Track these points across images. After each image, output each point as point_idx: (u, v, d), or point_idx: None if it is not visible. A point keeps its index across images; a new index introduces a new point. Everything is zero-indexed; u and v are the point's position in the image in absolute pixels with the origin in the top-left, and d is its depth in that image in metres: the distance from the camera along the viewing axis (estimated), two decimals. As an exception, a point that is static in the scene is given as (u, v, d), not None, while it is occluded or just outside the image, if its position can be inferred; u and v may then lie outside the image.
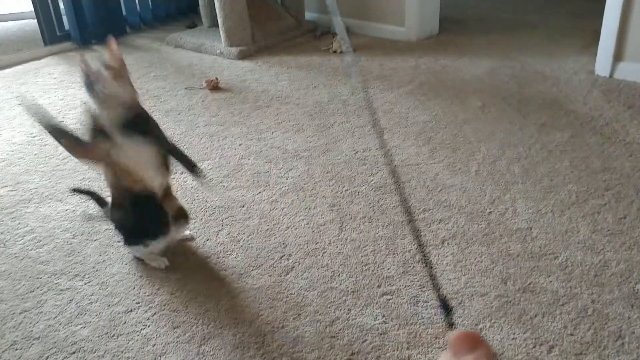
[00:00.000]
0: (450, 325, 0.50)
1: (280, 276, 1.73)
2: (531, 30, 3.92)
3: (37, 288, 1.74)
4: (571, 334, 1.47)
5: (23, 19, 4.87)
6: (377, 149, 2.42)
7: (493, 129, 2.55)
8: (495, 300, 1.60)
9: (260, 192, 2.17)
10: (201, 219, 2.03)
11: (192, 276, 1.75)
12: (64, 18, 4.11)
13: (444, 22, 3.99)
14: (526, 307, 1.57)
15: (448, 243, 1.84)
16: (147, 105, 2.98)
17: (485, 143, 2.43)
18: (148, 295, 1.69)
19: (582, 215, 1.93)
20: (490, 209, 1.99)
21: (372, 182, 2.20)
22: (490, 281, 1.67)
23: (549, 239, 1.83)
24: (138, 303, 1.66)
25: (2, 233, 2.01)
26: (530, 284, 1.65)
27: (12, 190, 2.26)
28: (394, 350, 1.45)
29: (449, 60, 3.44)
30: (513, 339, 1.47)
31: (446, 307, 0.54)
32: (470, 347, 0.44)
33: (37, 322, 1.61)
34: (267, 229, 1.96)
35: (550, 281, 1.65)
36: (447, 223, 1.93)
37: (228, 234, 1.94)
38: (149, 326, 1.58)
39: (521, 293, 1.62)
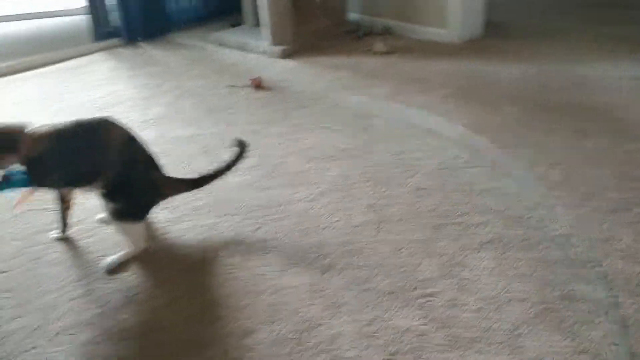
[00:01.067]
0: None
1: (318, 275, 1.77)
2: (576, 35, 3.86)
3: (86, 277, 1.81)
4: (613, 343, 1.47)
5: (73, 15, 5.04)
6: (414, 151, 2.44)
7: (530, 134, 2.53)
8: (534, 307, 1.60)
9: (298, 192, 2.21)
10: (240, 217, 2.08)
11: (232, 272, 1.80)
12: (112, 15, 4.23)
13: (488, 26, 3.96)
14: (565, 314, 1.57)
15: (486, 247, 1.84)
16: (190, 102, 3.07)
17: (523, 148, 2.41)
18: (191, 289, 1.74)
19: (624, 223, 1.90)
20: (529, 214, 1.99)
21: (410, 184, 2.21)
22: (529, 287, 1.67)
23: (589, 246, 1.81)
24: (181, 295, 1.72)
25: (53, 223, 2.09)
26: (570, 291, 1.64)
27: (62, 183, 2.35)
28: (431, 352, 1.47)
29: (490, 64, 3.42)
30: (551, 346, 1.47)
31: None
32: None
33: (87, 310, 1.68)
34: (305, 228, 1.99)
35: (591, 289, 1.64)
36: (485, 227, 1.93)
37: (266, 232, 1.99)
38: (191, 318, 1.63)
39: (560, 300, 1.61)
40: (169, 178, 1.92)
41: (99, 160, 1.76)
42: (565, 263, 1.75)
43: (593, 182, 2.14)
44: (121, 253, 1.88)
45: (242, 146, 2.02)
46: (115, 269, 1.84)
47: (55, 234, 2.01)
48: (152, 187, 1.86)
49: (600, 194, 2.06)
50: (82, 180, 1.79)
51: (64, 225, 2.00)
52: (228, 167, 1.98)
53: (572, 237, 1.86)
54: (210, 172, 1.96)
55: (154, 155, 1.87)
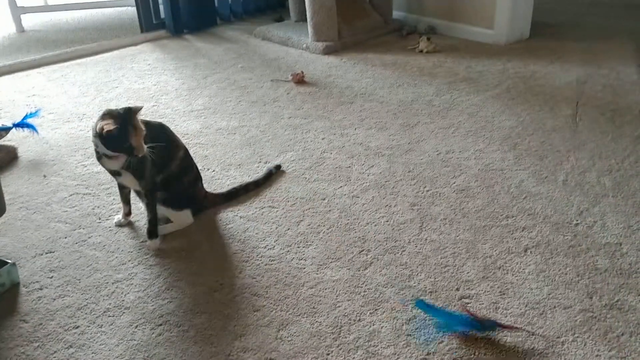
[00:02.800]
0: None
1: (359, 270, 1.75)
2: (627, 37, 3.74)
3: (129, 261, 1.84)
4: (661, 357, 1.41)
5: (122, 7, 5.13)
6: (460, 151, 2.40)
7: (584, 138, 2.46)
8: (580, 315, 1.55)
9: (341, 187, 2.20)
10: (283, 209, 2.08)
11: (272, 263, 1.80)
12: (161, 7, 4.30)
13: (536, 26, 3.87)
14: (612, 324, 1.51)
15: (531, 252, 1.80)
16: (234, 95, 3.09)
17: (574, 153, 2.35)
18: (230, 278, 1.75)
19: (678, 234, 1.84)
20: (577, 220, 1.93)
21: (455, 184, 2.18)
22: (575, 294, 1.62)
23: (640, 256, 1.75)
24: (221, 284, 1.73)
25: (98, 207, 2.14)
26: (617, 300, 1.59)
27: (108, 168, 2.40)
28: (471, 355, 1.44)
29: (538, 65, 3.34)
30: (597, 355, 1.42)
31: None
32: None
33: (128, 293, 1.71)
34: (347, 223, 1.98)
35: (640, 300, 1.59)
36: (531, 231, 1.89)
37: (309, 225, 1.98)
38: (230, 307, 1.64)
39: (607, 309, 1.56)
40: (207, 192, 2.13)
41: (172, 156, 1.95)
42: (614, 272, 1.70)
43: (647, 190, 2.07)
44: (168, 226, 1.99)
45: (276, 169, 2.31)
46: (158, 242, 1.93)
47: (118, 220, 2.05)
48: (196, 194, 2.06)
49: (653, 203, 1.99)
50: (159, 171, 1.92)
51: (128, 211, 2.05)
52: (257, 184, 2.21)
53: (622, 246, 1.80)
54: (242, 185, 2.19)
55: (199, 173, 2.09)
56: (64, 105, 3.09)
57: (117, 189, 2.04)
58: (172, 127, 2.72)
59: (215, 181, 2.28)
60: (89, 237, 1.97)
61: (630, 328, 1.50)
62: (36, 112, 2.72)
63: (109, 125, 1.66)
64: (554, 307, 1.58)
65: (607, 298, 1.60)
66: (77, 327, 1.59)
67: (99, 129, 1.69)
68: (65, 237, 1.97)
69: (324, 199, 2.12)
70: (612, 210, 1.97)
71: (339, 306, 1.62)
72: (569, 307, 1.58)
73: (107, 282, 1.75)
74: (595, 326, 1.51)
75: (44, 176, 2.38)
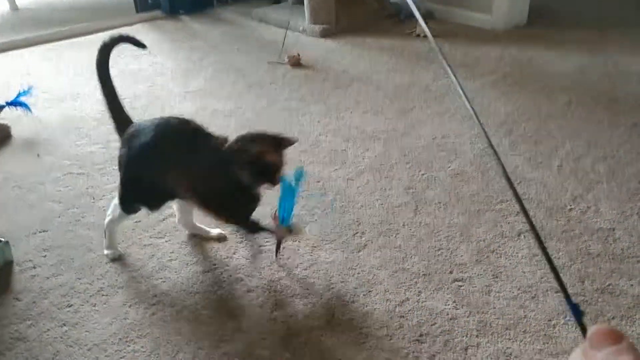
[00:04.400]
0: (583, 330, 0.49)
1: (353, 253, 1.76)
2: (626, 26, 3.73)
3: (122, 241, 1.84)
4: (650, 340, 1.43)
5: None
6: (456, 136, 2.40)
7: (579, 126, 2.46)
8: (572, 298, 1.56)
9: (336, 170, 2.20)
10: (278, 191, 2.07)
11: (266, 245, 1.80)
12: (156, -13, 4.26)
13: (534, 13, 3.85)
14: (604, 308, 1.53)
15: (525, 236, 1.80)
16: (230, 77, 3.07)
17: (570, 140, 2.35)
18: (224, 259, 1.75)
19: (671, 221, 1.85)
20: (571, 205, 1.94)
21: (450, 168, 2.18)
22: (567, 278, 1.63)
23: (633, 241, 1.76)
24: (214, 265, 1.73)
25: (92, 187, 2.13)
26: (609, 285, 1.60)
27: (102, 148, 2.39)
28: (463, 337, 1.45)
29: (536, 52, 3.33)
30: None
31: (578, 312, 0.52)
32: (611, 342, 0.43)
33: (122, 273, 1.70)
34: (342, 206, 1.98)
35: (632, 285, 1.60)
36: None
37: (303, 206, 1.98)
38: (224, 287, 1.64)
39: (599, 294, 1.57)
40: None
41: None
42: (607, 257, 1.71)
43: (641, 177, 2.07)
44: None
45: None
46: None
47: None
48: None
49: (647, 190, 2.00)
50: None
51: None
52: None
53: (615, 231, 1.81)
54: None
55: None
56: (58, 85, 3.06)
57: (111, 169, 2.03)
58: (167, 109, 2.74)
59: (210, 163, 2.27)
60: (83, 217, 1.96)
61: (621, 312, 1.51)
62: (29, 89, 2.70)
63: (271, 155, 1.55)
64: (546, 290, 1.59)
65: (599, 282, 1.61)
66: (71, 305, 1.59)
67: (254, 154, 1.54)
68: (59, 217, 1.97)
69: (319, 182, 2.12)
70: (605, 197, 1.98)
71: (332, 288, 1.63)
72: (561, 291, 1.58)
73: (101, 262, 1.75)
74: (586, 310, 1.52)
75: (38, 155, 2.37)
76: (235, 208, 1.65)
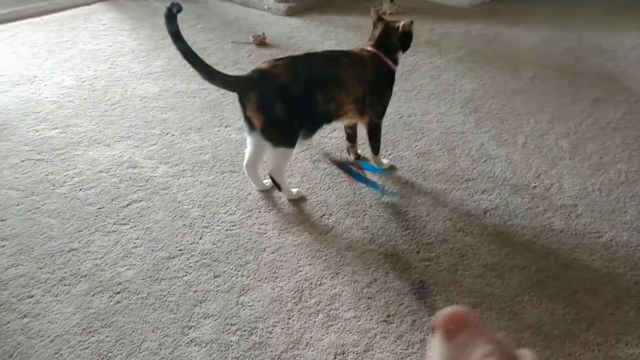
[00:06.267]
0: (430, 308, 0.47)
1: (321, 235, 1.75)
2: (592, 2, 3.76)
3: (85, 228, 1.79)
4: (612, 314, 1.46)
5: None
6: (422, 114, 2.39)
7: (544, 101, 2.49)
8: (536, 274, 1.58)
9: (302, 151, 2.17)
10: (242, 174, 2.05)
11: (233, 228, 1.78)
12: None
13: (499, -12, 3.86)
14: (567, 283, 1.55)
15: (490, 214, 1.82)
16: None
17: (534, 115, 2.37)
18: (190, 244, 1.72)
19: (631, 195, 1.88)
20: (535, 182, 1.96)
21: (417, 147, 2.18)
22: (531, 255, 1.65)
23: (595, 217, 1.79)
24: (181, 250, 1.70)
25: (52, 173, 2.07)
26: (572, 260, 1.63)
27: (62, 133, 2.31)
28: (430, 315, 1.46)
29: (501, 28, 3.34)
30: (552, 313, 1.46)
31: (424, 292, 0.50)
32: (462, 327, 0.41)
33: (85, 261, 1.66)
34: (309, 187, 1.96)
35: (594, 259, 1.63)
36: (491, 194, 1.91)
37: (269, 189, 1.96)
38: (190, 273, 1.62)
39: (563, 269, 1.60)
40: None
41: None
42: (570, 233, 1.73)
43: (604, 152, 2.11)
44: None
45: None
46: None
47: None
48: None
49: (610, 165, 2.03)
50: None
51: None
52: None
53: (577, 207, 1.84)
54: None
55: None
56: (14, 67, 2.95)
57: (71, 154, 1.96)
58: (129, 90, 2.67)
59: (174, 145, 2.22)
60: (43, 204, 1.91)
61: (584, 286, 1.54)
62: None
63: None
64: (512, 267, 1.61)
65: (563, 258, 1.64)
66: (32, 296, 1.54)
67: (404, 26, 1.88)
68: (18, 205, 1.91)
69: (286, 163, 2.10)
70: (568, 173, 2.00)
71: (300, 270, 1.62)
72: (526, 268, 1.61)
73: (63, 250, 1.71)
74: (550, 285, 1.55)
75: (-6, 141, 2.29)
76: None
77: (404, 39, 1.91)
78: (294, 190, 1.91)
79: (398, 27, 1.88)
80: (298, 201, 1.89)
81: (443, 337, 0.41)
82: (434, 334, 0.42)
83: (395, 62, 1.93)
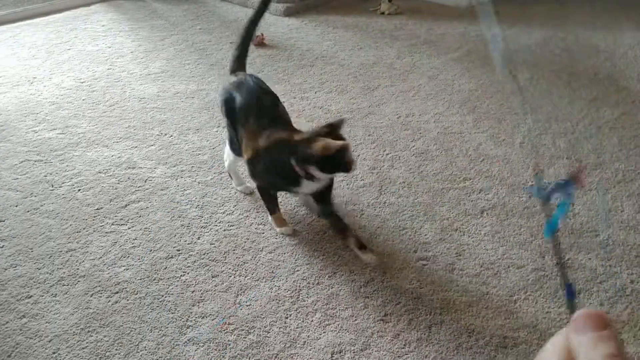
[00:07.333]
0: (572, 309, 0.48)
1: (318, 234, 1.76)
2: (589, 1, 3.77)
3: (83, 229, 1.80)
4: (607, 312, 1.46)
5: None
6: (420, 114, 2.40)
7: (541, 101, 2.49)
8: (532, 273, 1.59)
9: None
10: (242, 173, 2.05)
11: (231, 228, 1.79)
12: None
13: (497, -11, 3.85)
14: (563, 282, 1.56)
15: (487, 213, 1.82)
16: (192, 58, 3.01)
17: (532, 115, 2.38)
18: (188, 244, 1.73)
19: (628, 194, 1.89)
20: (532, 182, 1.97)
21: (414, 147, 2.18)
22: (528, 254, 1.66)
23: (591, 216, 1.80)
24: (179, 250, 1.71)
25: (50, 174, 2.07)
26: (568, 259, 1.63)
27: (61, 134, 2.32)
28: (427, 315, 1.47)
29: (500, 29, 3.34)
30: (547, 312, 1.47)
31: (571, 292, 0.51)
32: (594, 328, 0.43)
33: (83, 261, 1.67)
34: (307, 188, 1.97)
35: (590, 258, 1.63)
36: (488, 193, 1.92)
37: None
38: (188, 273, 1.62)
39: (559, 268, 1.60)
40: None
41: None
42: (566, 232, 1.74)
43: (601, 151, 2.11)
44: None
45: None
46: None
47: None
48: None
49: (606, 165, 2.04)
50: None
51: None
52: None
53: (574, 207, 1.84)
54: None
55: None
56: (13, 68, 2.96)
57: (70, 155, 1.97)
58: (128, 91, 2.67)
59: (173, 146, 2.23)
60: (42, 205, 1.91)
61: (579, 285, 1.55)
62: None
63: (328, 146, 1.43)
64: (508, 267, 1.62)
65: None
66: (30, 296, 1.55)
67: (317, 150, 1.44)
68: (16, 205, 1.91)
69: (284, 164, 2.10)
70: (566, 172, 2.01)
71: (297, 270, 1.62)
72: (522, 267, 1.62)
73: (61, 251, 1.71)
74: (546, 284, 1.56)
75: (-7, 142, 2.30)
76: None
77: (325, 161, 1.48)
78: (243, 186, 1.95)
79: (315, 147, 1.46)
80: (296, 201, 1.90)
81: (573, 331, 0.43)
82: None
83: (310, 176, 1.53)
